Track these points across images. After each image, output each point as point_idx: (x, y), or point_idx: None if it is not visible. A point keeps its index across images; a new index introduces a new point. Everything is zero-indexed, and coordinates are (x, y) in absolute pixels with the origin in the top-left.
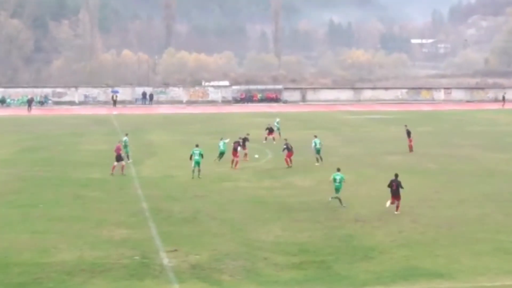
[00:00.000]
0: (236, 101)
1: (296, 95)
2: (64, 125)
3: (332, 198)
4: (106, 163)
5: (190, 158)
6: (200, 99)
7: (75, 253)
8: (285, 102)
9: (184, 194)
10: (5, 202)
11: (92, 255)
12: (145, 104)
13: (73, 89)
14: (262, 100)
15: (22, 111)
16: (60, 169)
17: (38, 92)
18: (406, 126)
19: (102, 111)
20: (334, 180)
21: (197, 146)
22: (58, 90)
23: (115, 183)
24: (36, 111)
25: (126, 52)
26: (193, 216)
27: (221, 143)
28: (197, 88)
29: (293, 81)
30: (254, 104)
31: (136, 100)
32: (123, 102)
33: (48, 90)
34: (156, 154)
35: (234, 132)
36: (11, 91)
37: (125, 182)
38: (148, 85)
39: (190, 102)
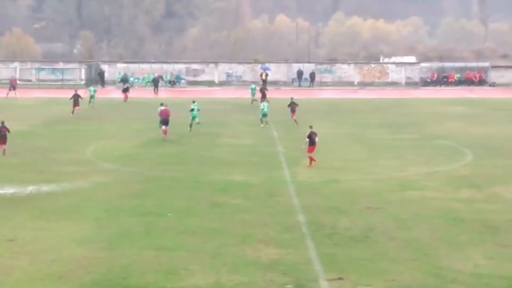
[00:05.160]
0: (426, 83)
1: (508, 76)
2: (200, 112)
3: None
4: (252, 161)
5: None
6: (377, 80)
7: (211, 277)
8: (493, 85)
9: (353, 205)
10: (126, 209)
11: (232, 280)
12: (302, 85)
13: (212, 65)
14: (460, 82)
15: (148, 93)
16: (194, 169)
17: (168, 69)
18: None
19: (248, 94)
20: None
21: (194, 102)
22: (194, 66)
23: (263, 189)
24: (164, 93)
25: (281, 18)
26: (365, 235)
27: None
28: (373, 65)
29: (505, 57)
30: (449, 88)
31: (293, 80)
32: (276, 83)
33: (181, 67)
34: (317, 152)
35: (420, 125)
36: (135, 67)
37: (276, 187)
38: (308, 61)
39: (363, 84)
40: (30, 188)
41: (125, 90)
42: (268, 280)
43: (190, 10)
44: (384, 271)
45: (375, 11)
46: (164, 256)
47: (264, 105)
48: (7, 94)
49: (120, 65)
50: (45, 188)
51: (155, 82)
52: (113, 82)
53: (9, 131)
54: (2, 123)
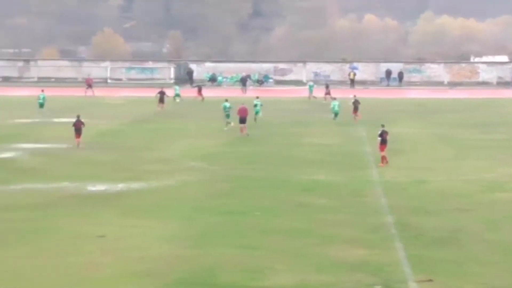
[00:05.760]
0: None
1: None
2: (286, 111)
3: None
4: (338, 161)
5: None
6: (467, 79)
7: (296, 276)
8: None
9: (441, 206)
10: (211, 207)
11: (318, 280)
12: (390, 85)
13: (300, 64)
14: None
15: (236, 92)
16: (278, 168)
17: (255, 68)
18: None
19: (335, 93)
20: None
21: (257, 97)
22: (281, 66)
23: (348, 189)
24: (252, 92)
25: (369, 17)
26: (453, 236)
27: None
28: (463, 65)
29: None
30: None
31: (381, 79)
32: (363, 83)
33: (268, 66)
34: (404, 152)
35: (511, 125)
36: (223, 66)
37: (362, 187)
38: (396, 61)
39: (453, 84)
40: (120, 186)
41: (199, 90)
42: (356, 281)
43: (277, 10)
44: (474, 273)
45: (465, 9)
46: (249, 255)
47: (334, 104)
48: (85, 92)
49: (208, 64)
50: (133, 186)
51: (243, 81)
52: (201, 81)
53: (83, 125)
54: (78, 117)
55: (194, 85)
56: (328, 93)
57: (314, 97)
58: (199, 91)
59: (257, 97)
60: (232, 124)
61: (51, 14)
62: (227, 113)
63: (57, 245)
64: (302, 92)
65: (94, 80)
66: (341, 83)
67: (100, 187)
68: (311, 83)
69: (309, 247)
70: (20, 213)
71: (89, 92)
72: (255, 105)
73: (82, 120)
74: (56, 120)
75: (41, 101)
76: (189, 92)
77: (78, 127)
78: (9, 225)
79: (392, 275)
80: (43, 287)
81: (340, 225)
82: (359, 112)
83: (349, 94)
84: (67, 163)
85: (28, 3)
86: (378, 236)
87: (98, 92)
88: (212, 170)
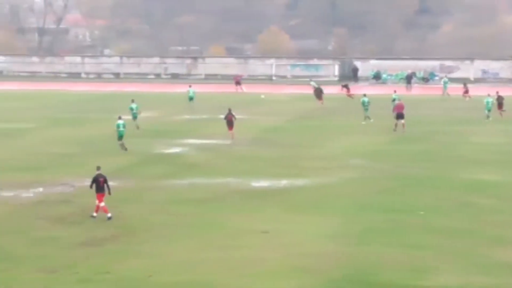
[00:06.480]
0: None
1: None
2: (453, 109)
3: None
4: (506, 161)
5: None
6: None
7: (460, 277)
8: None
9: None
10: (374, 205)
11: (483, 281)
12: None
13: (467, 62)
14: None
15: (400, 90)
16: (442, 167)
17: (421, 66)
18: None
19: (504, 91)
20: None
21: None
22: (447, 63)
23: None
24: (417, 90)
25: None
26: None
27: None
28: None
29: None
30: None
31: None
32: None
33: (434, 63)
34: None
35: None
36: (387, 63)
37: None
38: None
39: None
40: (283, 182)
41: (346, 87)
42: None
43: (444, 6)
44: None
45: None
46: (412, 254)
47: (488, 100)
48: (236, 89)
49: (372, 62)
50: (296, 182)
51: (408, 79)
52: (366, 79)
53: (235, 118)
54: (229, 110)
55: (342, 84)
56: (466, 91)
57: (448, 94)
58: (347, 90)
59: (365, 95)
60: (372, 120)
61: (217, 12)
62: (365, 108)
63: (221, 239)
64: (471, 90)
65: (242, 77)
66: (510, 81)
67: (263, 183)
68: (446, 79)
69: (474, 248)
70: (187, 207)
71: (239, 89)
72: (363, 103)
73: (234, 113)
74: (221, 116)
75: (191, 95)
76: (353, 89)
77: (229, 119)
78: (177, 219)
79: None
80: (208, 279)
81: (507, 226)
82: (504, 108)
83: None
84: (230, 158)
85: (196, 2)
86: None
87: (263, 89)
88: (374, 167)
